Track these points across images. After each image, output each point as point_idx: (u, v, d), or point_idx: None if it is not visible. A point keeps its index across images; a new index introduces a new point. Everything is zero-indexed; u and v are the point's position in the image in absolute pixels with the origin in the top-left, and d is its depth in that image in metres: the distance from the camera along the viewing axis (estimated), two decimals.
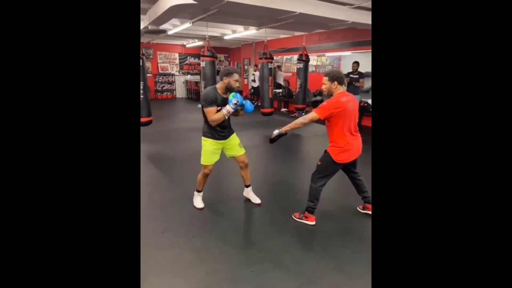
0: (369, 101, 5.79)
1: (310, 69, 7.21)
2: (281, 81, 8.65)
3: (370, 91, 5.90)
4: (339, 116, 2.09)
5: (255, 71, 8.41)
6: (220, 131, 2.46)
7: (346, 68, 7.19)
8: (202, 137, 2.51)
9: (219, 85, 2.37)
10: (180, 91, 11.74)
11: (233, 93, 2.31)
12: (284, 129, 2.21)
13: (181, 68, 11.57)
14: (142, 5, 4.24)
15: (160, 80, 11.23)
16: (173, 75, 11.45)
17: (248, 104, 2.37)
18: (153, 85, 11.07)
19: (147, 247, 2.00)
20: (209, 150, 2.49)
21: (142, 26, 5.17)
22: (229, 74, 2.32)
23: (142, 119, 4.71)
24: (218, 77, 2.54)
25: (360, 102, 5.92)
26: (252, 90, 8.30)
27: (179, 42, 10.69)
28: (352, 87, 5.77)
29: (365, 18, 4.58)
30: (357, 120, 2.26)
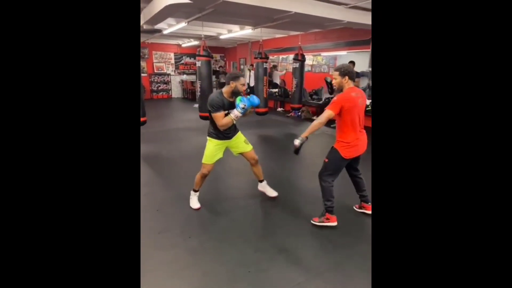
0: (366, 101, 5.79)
1: (306, 68, 7.22)
2: (277, 81, 8.66)
3: (366, 90, 5.92)
4: (349, 111, 2.09)
5: (251, 70, 8.41)
6: (225, 131, 2.49)
7: None
8: (208, 138, 2.54)
9: (226, 89, 2.39)
10: (176, 91, 11.69)
11: (239, 97, 2.34)
12: (304, 135, 2.17)
13: (176, 67, 11.52)
14: None
15: (155, 80, 11.17)
16: (168, 75, 11.39)
17: (254, 98, 2.38)
18: (149, 85, 11.01)
19: (143, 248, 1.98)
20: (212, 150, 2.51)
21: None
22: (235, 78, 2.36)
23: None
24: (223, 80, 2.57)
25: None
26: (248, 90, 8.31)
27: (175, 42, 10.64)
28: None
29: (361, 17, 4.60)
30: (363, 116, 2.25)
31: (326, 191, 2.30)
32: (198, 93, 5.26)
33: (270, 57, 9.00)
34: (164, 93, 11.45)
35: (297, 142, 2.18)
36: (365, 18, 4.65)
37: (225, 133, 2.50)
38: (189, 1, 3.34)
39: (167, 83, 11.42)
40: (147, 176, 3.45)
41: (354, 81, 2.14)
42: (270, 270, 1.85)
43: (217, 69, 11.12)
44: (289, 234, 2.25)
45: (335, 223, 2.34)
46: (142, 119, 4.76)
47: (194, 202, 2.68)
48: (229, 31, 7.21)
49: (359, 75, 5.83)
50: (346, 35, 6.34)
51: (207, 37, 7.54)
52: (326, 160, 2.27)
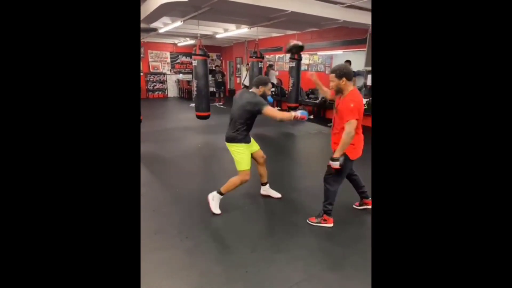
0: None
1: (302, 67, 7.23)
2: (273, 80, 8.65)
3: (362, 90, 5.94)
4: (360, 114, 2.05)
5: (247, 70, 8.39)
6: (248, 132, 2.49)
7: None
8: (233, 144, 2.43)
9: (256, 91, 2.42)
10: (172, 90, 11.63)
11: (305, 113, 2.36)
12: (339, 155, 2.07)
13: (172, 67, 11.46)
14: None
15: (151, 79, 11.10)
16: (164, 74, 11.33)
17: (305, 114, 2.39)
18: (144, 84, 10.94)
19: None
20: (248, 155, 2.47)
21: None
22: (265, 84, 2.43)
23: None
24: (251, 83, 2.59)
25: None
26: (243, 87, 8.28)
27: (171, 41, 10.58)
28: None
29: (357, 16, 4.61)
30: None
31: (331, 195, 2.28)
32: (194, 93, 5.23)
33: (267, 56, 8.99)
34: (160, 92, 11.39)
35: (336, 164, 2.08)
36: (361, 17, 4.65)
37: (249, 133, 2.49)
38: (185, 0, 3.32)
39: (163, 82, 11.36)
40: (143, 176, 3.43)
41: (351, 80, 2.08)
42: (268, 270, 1.84)
43: (214, 68, 11.09)
44: (286, 234, 2.25)
45: (331, 225, 2.34)
46: None
47: (216, 206, 2.55)
48: (225, 30, 7.18)
49: (355, 74, 5.85)
50: (342, 34, 6.35)
51: (203, 36, 7.51)
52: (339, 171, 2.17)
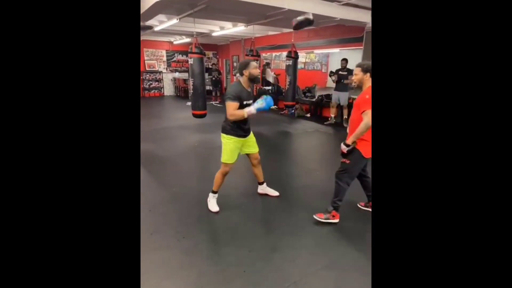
0: None
1: (299, 66, 7.22)
2: (270, 79, 8.63)
3: (354, 88, 5.94)
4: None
5: None
6: (243, 126, 2.42)
7: (335, 65, 7.24)
8: (223, 134, 2.42)
9: (242, 80, 2.34)
10: (168, 89, 11.56)
11: (265, 96, 2.26)
12: (349, 141, 2.09)
13: (168, 65, 11.38)
14: None
15: (147, 78, 11.02)
16: (160, 72, 11.25)
17: (271, 101, 2.28)
18: (141, 83, 10.85)
19: None
20: (232, 148, 2.42)
21: None
22: (246, 65, 2.29)
23: None
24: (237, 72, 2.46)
25: (349, 99, 5.97)
26: None
27: (166, 39, 10.50)
28: (341, 84, 5.82)
29: (353, 15, 4.60)
30: None
31: (342, 192, 2.29)
32: (190, 91, 5.20)
33: (263, 54, 8.96)
34: (156, 91, 11.32)
35: (345, 147, 2.11)
36: (358, 15, 4.65)
37: (244, 127, 2.42)
38: None
39: (159, 80, 11.29)
40: (140, 175, 3.40)
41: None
42: (265, 269, 1.83)
43: (210, 66, 11.03)
44: (284, 233, 2.24)
45: (337, 220, 2.36)
46: None
47: (213, 204, 2.57)
48: (222, 28, 7.14)
49: (351, 72, 5.85)
50: (338, 33, 6.35)
51: (199, 34, 7.46)
52: (348, 162, 2.19)
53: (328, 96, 6.63)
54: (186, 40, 9.52)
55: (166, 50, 11.18)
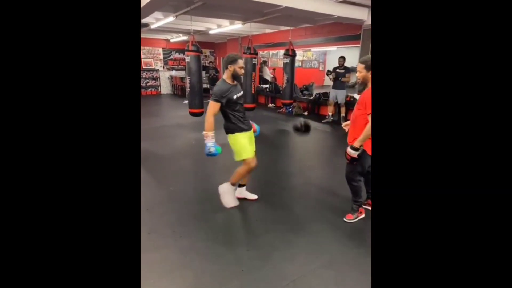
0: (356, 96, 5.83)
1: (296, 64, 7.20)
2: (267, 77, 8.61)
3: (356, 86, 5.95)
4: None
5: None
6: (244, 121, 2.38)
7: (332, 63, 7.23)
8: (229, 135, 2.37)
9: (225, 75, 2.31)
10: (165, 87, 11.50)
11: (219, 148, 2.24)
12: (357, 145, 2.02)
13: (165, 63, 11.31)
14: None
15: (144, 76, 10.95)
16: (157, 70, 11.18)
17: (218, 151, 2.26)
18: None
19: None
20: (243, 143, 2.35)
21: None
22: (233, 61, 2.24)
23: None
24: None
25: (346, 97, 5.96)
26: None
27: (163, 37, 10.43)
28: (339, 82, 5.81)
29: (351, 12, 4.59)
30: None
31: (358, 190, 2.30)
32: (187, 89, 5.16)
33: (260, 52, 8.93)
34: (153, 89, 11.25)
35: (353, 152, 2.04)
36: (355, 13, 4.64)
37: (244, 121, 2.38)
38: None
39: (156, 79, 11.22)
40: None
41: None
42: (263, 268, 1.82)
43: (207, 64, 10.98)
44: (282, 232, 2.23)
45: (364, 215, 2.39)
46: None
47: (231, 198, 2.42)
48: (219, 26, 7.10)
49: (349, 70, 5.85)
50: (336, 30, 6.33)
51: (196, 32, 7.41)
52: (355, 163, 2.15)
53: (326, 94, 6.63)
54: (183, 38, 9.46)
55: (163, 48, 11.11)
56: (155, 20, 6.23)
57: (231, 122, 2.35)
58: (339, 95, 5.86)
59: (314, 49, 7.89)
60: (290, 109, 7.17)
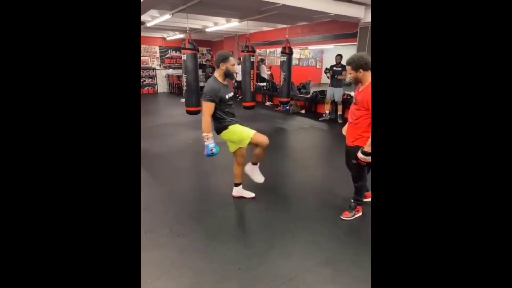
0: (352, 94, 5.84)
1: (293, 62, 7.20)
2: (264, 75, 8.59)
3: (353, 84, 5.95)
4: None
5: (238, 64, 8.32)
6: (232, 114, 2.41)
7: (329, 61, 7.24)
8: (222, 133, 2.40)
9: (217, 73, 2.30)
10: (162, 86, 11.44)
11: (218, 148, 2.32)
12: (369, 150, 1.96)
13: (162, 61, 11.25)
14: None
15: (140, 75, 10.88)
16: (154, 69, 11.12)
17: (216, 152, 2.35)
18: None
19: None
20: (237, 130, 2.37)
21: None
22: (225, 59, 2.24)
23: None
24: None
25: (344, 95, 5.97)
26: (236, 84, 8.22)
27: (159, 35, 10.36)
28: (336, 80, 5.81)
29: (348, 10, 4.59)
30: None
31: (362, 189, 2.31)
32: (184, 88, 5.14)
33: (258, 50, 8.91)
34: (150, 88, 11.19)
35: (364, 156, 2.00)
36: (352, 11, 4.64)
37: (235, 117, 2.42)
38: None
39: (152, 77, 11.16)
40: None
41: (369, 70, 1.96)
42: (261, 266, 1.83)
43: (204, 63, 10.93)
44: (279, 230, 2.24)
45: (361, 213, 2.40)
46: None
47: (258, 175, 2.60)
48: (215, 24, 7.07)
49: (345, 68, 5.85)
50: (333, 28, 6.33)
51: (192, 30, 7.37)
52: (355, 162, 2.13)
53: (323, 92, 6.63)
54: (180, 36, 9.40)
55: (159, 46, 11.04)
56: (151, 18, 6.18)
57: (223, 119, 2.36)
58: (336, 93, 5.87)
59: (311, 47, 7.87)
60: (287, 107, 7.17)
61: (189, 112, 5.17)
